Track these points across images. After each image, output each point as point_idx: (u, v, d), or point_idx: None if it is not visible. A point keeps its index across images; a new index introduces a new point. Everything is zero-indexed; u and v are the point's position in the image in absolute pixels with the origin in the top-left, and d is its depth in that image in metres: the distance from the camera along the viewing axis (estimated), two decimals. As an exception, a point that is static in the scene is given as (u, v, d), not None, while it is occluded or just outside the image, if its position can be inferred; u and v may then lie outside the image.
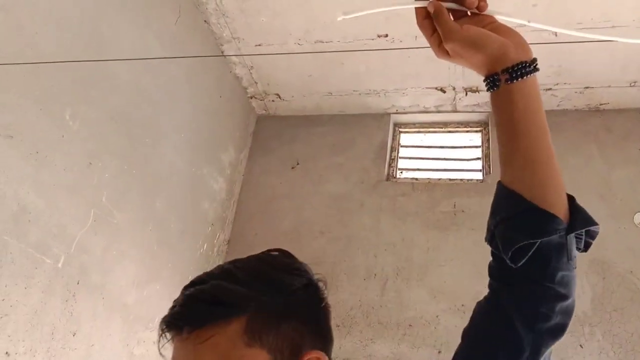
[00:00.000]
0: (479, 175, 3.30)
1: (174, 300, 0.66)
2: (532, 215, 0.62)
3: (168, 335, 0.65)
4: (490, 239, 0.67)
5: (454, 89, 3.35)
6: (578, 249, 0.66)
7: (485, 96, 3.35)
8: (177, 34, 2.81)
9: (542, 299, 0.62)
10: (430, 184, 3.25)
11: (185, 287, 0.67)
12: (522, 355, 0.62)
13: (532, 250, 0.62)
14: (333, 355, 0.71)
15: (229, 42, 3.21)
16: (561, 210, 0.63)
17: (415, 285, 2.91)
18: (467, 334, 0.68)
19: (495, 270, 0.68)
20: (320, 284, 0.72)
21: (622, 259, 2.72)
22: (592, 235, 0.67)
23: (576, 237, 0.65)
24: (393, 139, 3.61)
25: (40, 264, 1.92)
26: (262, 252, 0.72)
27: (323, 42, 3.09)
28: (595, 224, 0.65)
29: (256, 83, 3.56)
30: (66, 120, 2.06)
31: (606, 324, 2.58)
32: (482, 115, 3.48)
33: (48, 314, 1.95)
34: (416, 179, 3.36)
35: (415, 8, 0.73)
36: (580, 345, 2.54)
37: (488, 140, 3.38)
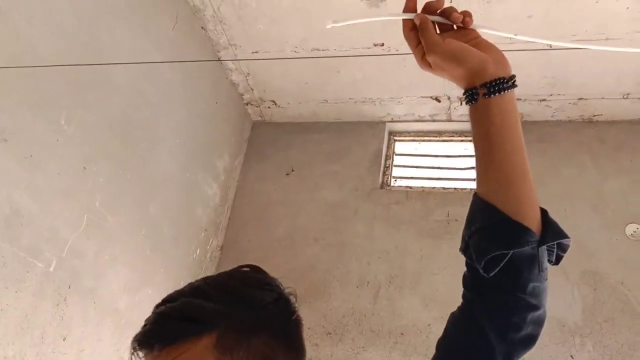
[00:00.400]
0: (473, 185, 3.31)
1: (146, 319, 0.66)
2: (506, 226, 0.64)
3: (140, 353, 0.65)
4: (465, 248, 0.69)
5: (448, 98, 3.37)
6: (550, 261, 0.68)
7: (479, 106, 3.37)
8: (174, 40, 2.81)
9: (514, 309, 0.64)
10: (424, 193, 3.26)
11: (157, 306, 0.67)
12: None
13: (505, 261, 0.63)
14: None
15: (226, 48, 3.22)
16: (534, 223, 0.65)
17: (408, 293, 2.91)
18: (440, 344, 0.69)
19: (469, 281, 0.69)
20: (291, 298, 0.73)
21: (614, 270, 2.73)
22: (563, 249, 0.69)
23: (548, 250, 0.67)
24: (388, 147, 3.62)
25: (31, 268, 1.91)
26: (233, 269, 0.73)
27: (319, 50, 3.11)
28: (566, 237, 0.67)
29: (252, 90, 3.57)
30: (61, 124, 2.06)
31: (597, 334, 2.58)
32: (477, 124, 3.49)
33: (38, 317, 1.94)
34: (410, 187, 3.37)
35: (403, 19, 0.74)
36: (571, 356, 2.54)
37: (482, 149, 3.40)
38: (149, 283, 2.60)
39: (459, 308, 0.70)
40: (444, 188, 3.32)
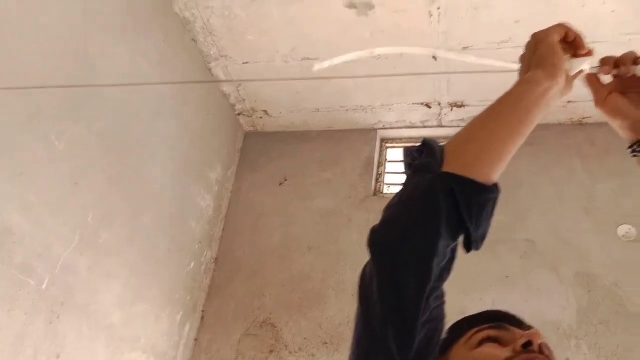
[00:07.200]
0: (465, 190, 3.32)
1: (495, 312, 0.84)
2: None
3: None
4: None
5: (439, 104, 3.39)
6: None
7: (470, 111, 3.39)
8: (165, 52, 2.81)
9: None
10: (417, 199, 3.26)
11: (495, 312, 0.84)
12: None
13: None
14: None
15: (217, 59, 3.22)
16: None
17: (403, 300, 2.90)
18: None
19: None
20: None
21: (607, 272, 2.75)
22: None
23: None
24: (380, 154, 3.63)
25: (24, 286, 1.89)
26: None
27: (310, 59, 3.12)
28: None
29: (244, 100, 3.58)
30: (52, 140, 2.05)
31: (592, 337, 2.59)
32: (468, 130, 3.51)
33: (31, 336, 1.93)
34: (403, 194, 3.37)
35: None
36: (567, 359, 2.55)
37: (474, 154, 3.40)
38: (143, 298, 2.58)
39: None
40: (436, 194, 3.32)
